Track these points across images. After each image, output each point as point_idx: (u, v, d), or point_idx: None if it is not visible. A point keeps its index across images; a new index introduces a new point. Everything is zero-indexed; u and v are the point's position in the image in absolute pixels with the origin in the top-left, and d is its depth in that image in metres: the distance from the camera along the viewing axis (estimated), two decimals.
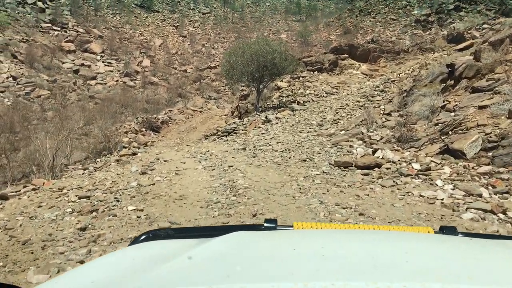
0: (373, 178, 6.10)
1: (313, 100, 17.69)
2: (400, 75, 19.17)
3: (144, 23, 49.81)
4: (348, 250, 0.82)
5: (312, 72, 22.98)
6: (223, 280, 0.63)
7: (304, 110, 15.86)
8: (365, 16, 48.84)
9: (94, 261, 1.01)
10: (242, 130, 12.98)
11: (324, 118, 14.00)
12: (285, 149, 8.55)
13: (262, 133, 11.63)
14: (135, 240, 1.16)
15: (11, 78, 24.13)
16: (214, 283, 0.61)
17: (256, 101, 16.61)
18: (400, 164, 6.53)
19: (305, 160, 7.42)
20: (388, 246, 0.87)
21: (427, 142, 8.11)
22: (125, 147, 13.51)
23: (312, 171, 6.59)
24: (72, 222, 4.71)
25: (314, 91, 19.10)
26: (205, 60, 43.13)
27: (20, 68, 25.89)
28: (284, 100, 18.05)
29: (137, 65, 37.59)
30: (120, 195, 5.41)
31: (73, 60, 33.65)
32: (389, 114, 11.80)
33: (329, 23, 53.02)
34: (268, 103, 18.94)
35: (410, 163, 6.56)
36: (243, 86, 34.03)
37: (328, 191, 5.53)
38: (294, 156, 7.77)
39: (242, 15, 59.54)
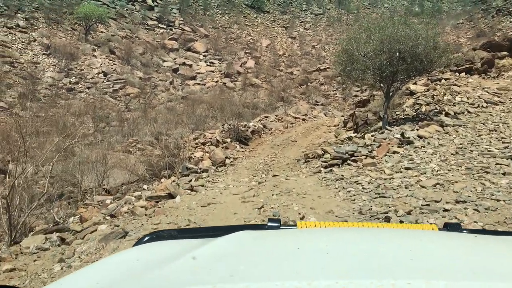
0: None
1: (469, 112, 12.04)
2: None
3: (253, 23, 47.37)
4: (352, 249, 0.81)
5: (458, 74, 17.04)
6: (227, 279, 0.63)
7: (461, 125, 10.40)
8: (504, 16, 40.64)
9: (98, 263, 0.96)
10: (367, 156, 7.64)
11: (509, 144, 8.23)
12: None
13: (407, 168, 6.30)
14: (139, 241, 1.12)
15: (101, 74, 22.34)
16: (218, 283, 0.60)
17: (384, 109, 11.23)
18: None
19: None
20: (392, 244, 0.86)
21: None
22: (188, 168, 9.37)
23: None
24: None
25: (468, 98, 13.30)
26: (314, 62, 38.48)
27: (114, 64, 24.12)
28: (423, 110, 12.50)
29: (240, 66, 34.68)
30: None
31: (174, 59, 31.74)
32: None
33: (458, 25, 45.38)
34: (397, 112, 13.44)
35: None
36: (357, 90, 28.47)
37: None
38: None
39: (357, 17, 53.97)
